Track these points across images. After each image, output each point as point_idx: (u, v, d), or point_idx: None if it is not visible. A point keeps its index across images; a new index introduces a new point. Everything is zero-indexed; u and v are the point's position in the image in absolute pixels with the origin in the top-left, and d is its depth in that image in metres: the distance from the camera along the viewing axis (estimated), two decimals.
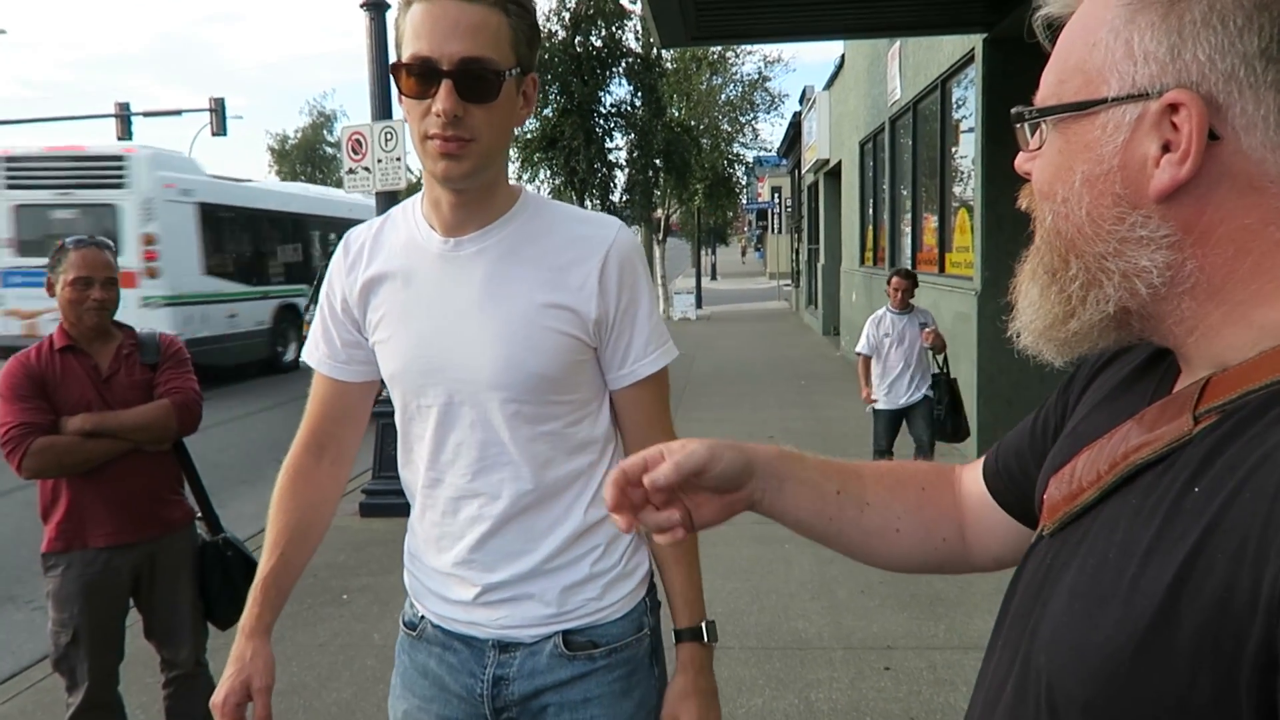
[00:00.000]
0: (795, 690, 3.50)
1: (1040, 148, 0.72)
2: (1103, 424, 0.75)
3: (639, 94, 12.73)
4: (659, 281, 23.58)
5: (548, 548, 1.41)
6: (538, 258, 1.38)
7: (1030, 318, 0.73)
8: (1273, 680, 0.51)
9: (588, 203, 12.57)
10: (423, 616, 1.50)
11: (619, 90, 12.76)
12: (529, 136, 11.97)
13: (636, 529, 0.91)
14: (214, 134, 28.00)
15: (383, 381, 1.50)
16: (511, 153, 12.31)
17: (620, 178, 13.25)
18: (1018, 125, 0.73)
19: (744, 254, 58.25)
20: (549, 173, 12.24)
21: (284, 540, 1.49)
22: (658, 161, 13.81)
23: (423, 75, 1.26)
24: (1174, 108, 0.62)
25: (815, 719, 3.30)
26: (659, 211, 21.48)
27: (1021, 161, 0.74)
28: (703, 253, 32.34)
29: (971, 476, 1.02)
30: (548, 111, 11.75)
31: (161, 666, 2.87)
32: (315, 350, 1.54)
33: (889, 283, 6.00)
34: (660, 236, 23.53)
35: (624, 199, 13.63)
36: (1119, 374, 0.80)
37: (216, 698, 1.41)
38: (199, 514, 2.95)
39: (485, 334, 1.36)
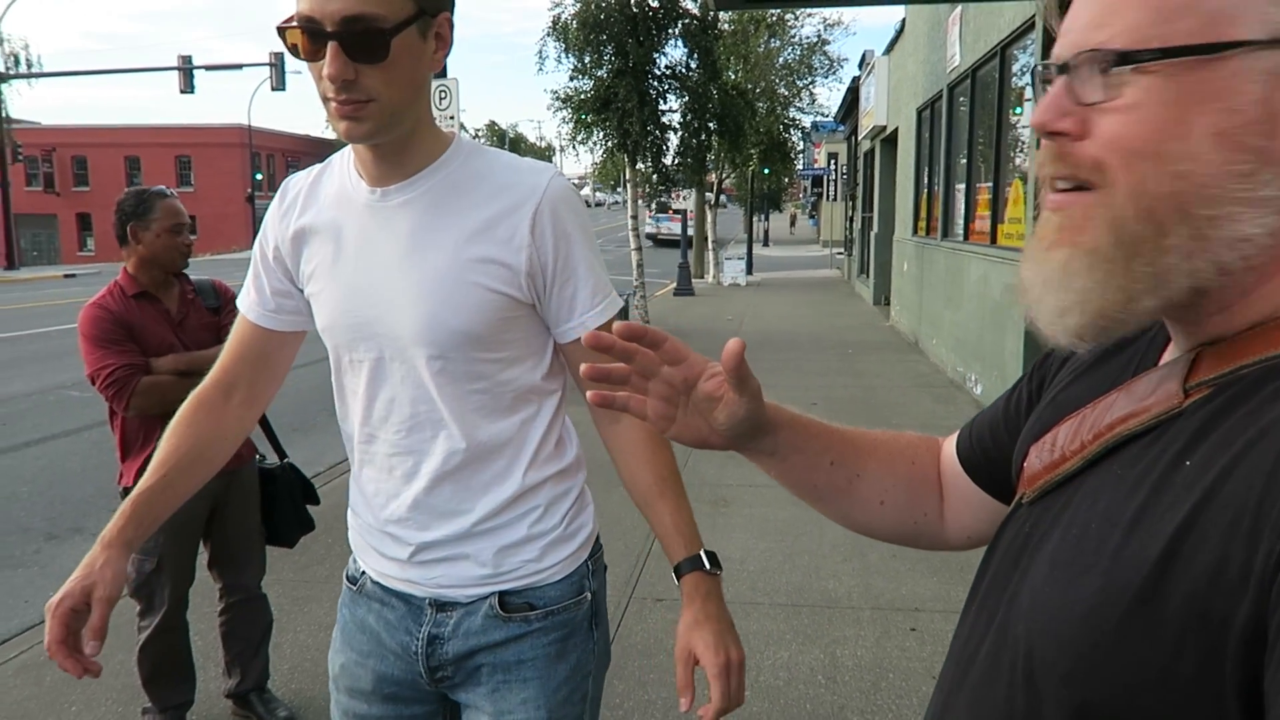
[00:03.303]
0: (821, 646, 3.59)
1: (1094, 103, 0.62)
2: (1085, 393, 0.74)
3: (694, 56, 12.63)
4: (710, 247, 23.51)
5: (484, 508, 1.37)
6: (465, 209, 1.31)
7: (1083, 298, 0.63)
8: (1259, 656, 0.51)
9: (640, 165, 12.55)
10: (363, 572, 1.48)
11: (674, 52, 12.66)
12: (582, 98, 11.98)
13: (600, 398, 0.90)
14: (273, 89, 28.40)
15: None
16: (564, 114, 12.36)
17: (673, 140, 13.19)
18: (1091, 77, 0.62)
19: (793, 222, 57.19)
20: (602, 135, 12.23)
21: (170, 463, 1.41)
22: (711, 125, 13.73)
23: (311, 36, 1.19)
24: None
25: (839, 673, 3.39)
26: (712, 176, 21.36)
27: (1056, 116, 0.64)
28: (755, 219, 32.09)
29: (949, 450, 1.00)
30: (602, 73, 11.73)
31: (221, 593, 3.07)
32: (246, 294, 1.49)
33: None
34: (713, 201, 23.42)
35: (676, 162, 13.57)
36: (1101, 344, 0.77)
37: (53, 599, 1.28)
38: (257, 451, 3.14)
39: (408, 290, 1.30)
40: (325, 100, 1.23)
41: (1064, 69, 0.63)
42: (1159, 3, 0.60)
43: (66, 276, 28.78)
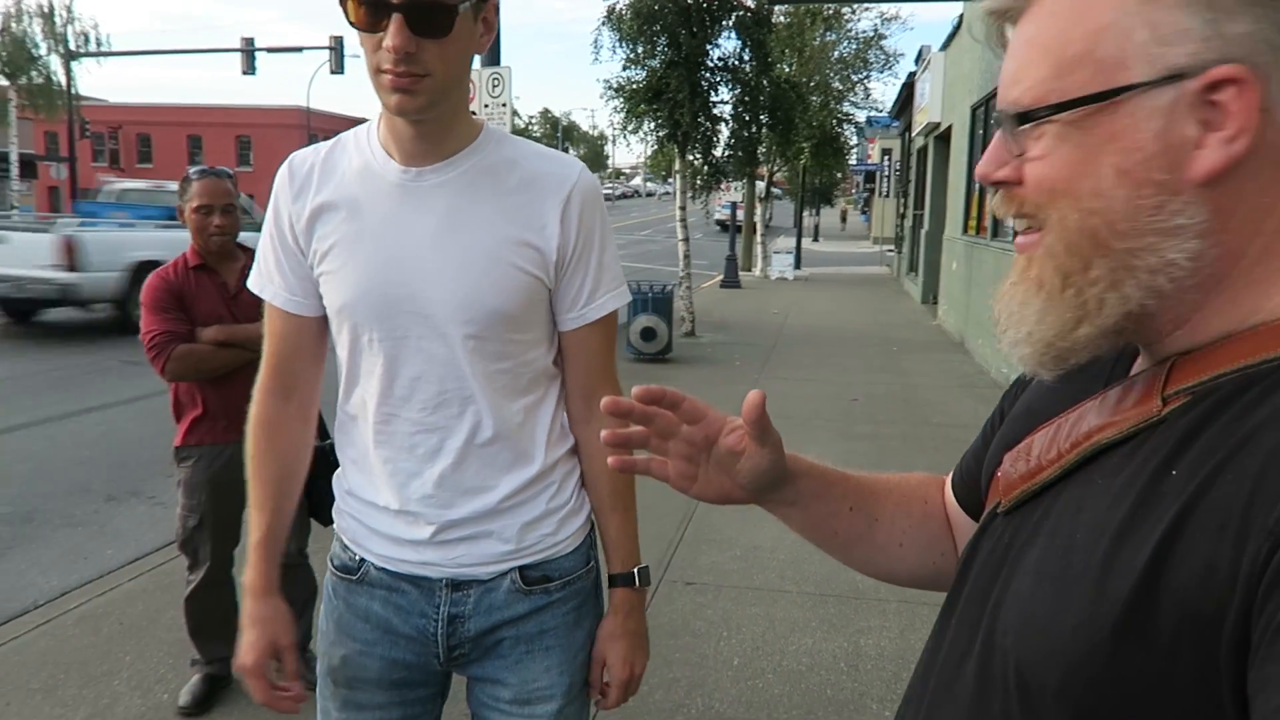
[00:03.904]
0: (846, 635, 3.65)
1: (1024, 153, 0.66)
2: (1058, 402, 0.75)
3: (747, 48, 12.60)
4: (760, 240, 23.45)
5: (509, 485, 1.40)
6: (500, 193, 1.34)
7: (1031, 329, 0.68)
8: (1244, 658, 0.52)
9: (689, 156, 12.57)
10: (362, 560, 1.45)
11: (727, 44, 12.65)
12: (634, 87, 12.01)
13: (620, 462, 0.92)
14: (332, 72, 28.80)
15: None
16: (616, 103, 12.41)
17: (724, 132, 13.17)
18: (1013, 130, 0.67)
19: (844, 217, 56.41)
20: (653, 125, 12.26)
21: (271, 498, 1.47)
22: (763, 117, 13.70)
23: (373, 7, 1.20)
24: (1214, 85, 0.58)
25: (862, 662, 3.45)
26: (762, 168, 21.29)
27: (994, 168, 0.69)
28: (806, 213, 31.91)
29: (949, 489, 1.00)
30: (654, 63, 11.75)
31: None
32: (269, 283, 1.43)
33: None
34: (763, 194, 23.33)
35: (726, 154, 13.56)
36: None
37: (245, 661, 1.40)
38: None
39: (446, 268, 1.32)
40: (378, 72, 1.23)
41: (1025, 119, 0.67)
42: (1057, 58, 0.64)
43: None
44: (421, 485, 1.38)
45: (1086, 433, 0.67)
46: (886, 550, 0.99)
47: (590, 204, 1.38)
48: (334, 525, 1.52)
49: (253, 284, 1.46)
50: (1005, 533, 0.71)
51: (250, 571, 1.44)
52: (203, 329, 2.94)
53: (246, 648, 1.41)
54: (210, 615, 3.10)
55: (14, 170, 28.25)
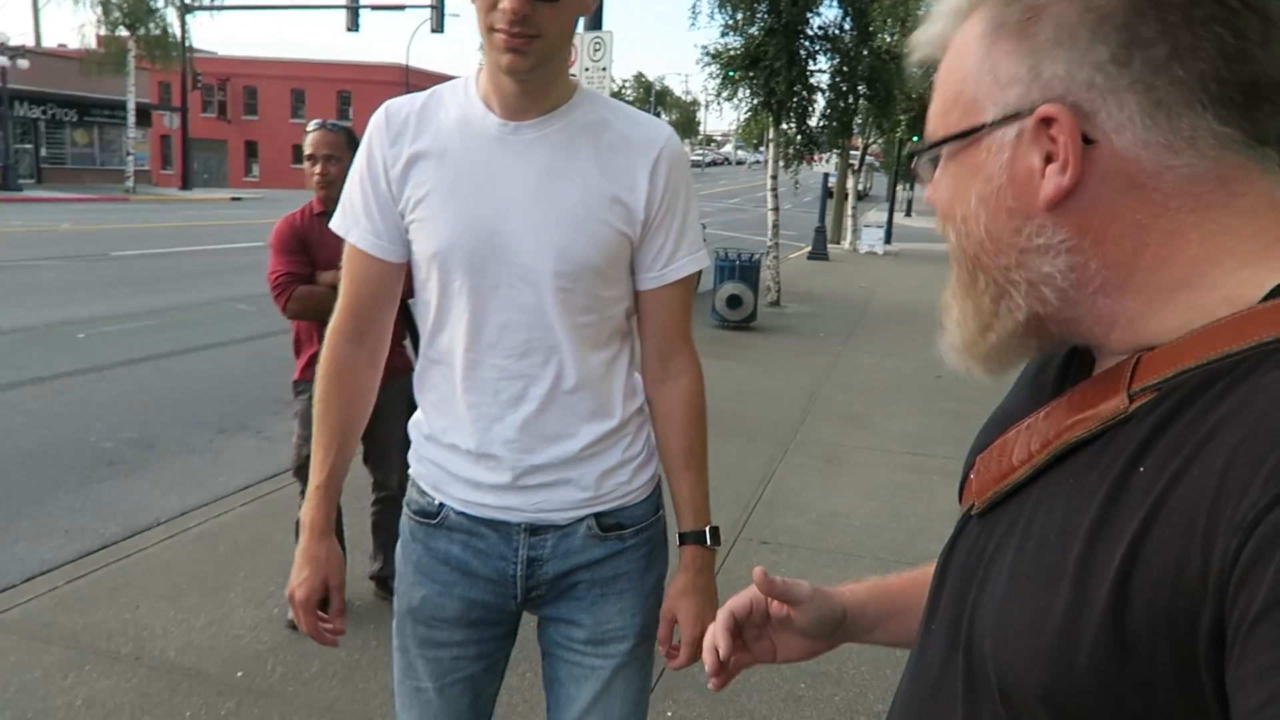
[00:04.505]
0: None
1: (932, 179, 0.75)
2: (1027, 403, 0.76)
3: (848, 18, 12.42)
4: (850, 213, 23.17)
5: (589, 435, 1.44)
6: (595, 150, 1.38)
7: (955, 335, 0.74)
8: (1222, 656, 0.52)
9: (784, 125, 12.48)
10: (442, 504, 1.49)
11: (828, 13, 12.48)
12: (731, 54, 11.96)
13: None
14: (432, 30, 29.26)
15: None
16: (712, 69, 12.39)
17: (820, 102, 13.02)
18: (914, 163, 0.76)
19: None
20: (748, 92, 12.20)
21: (337, 441, 1.51)
22: (860, 88, 13.48)
23: None
24: (1048, 121, 0.64)
25: None
26: (858, 140, 20.96)
27: (930, 193, 0.77)
28: (900, 187, 31.31)
29: None
30: (753, 30, 11.68)
31: (373, 488, 3.46)
32: (355, 225, 1.46)
33: None
34: (856, 166, 23.00)
35: (821, 125, 13.40)
36: (1040, 355, 0.81)
37: (299, 595, 1.45)
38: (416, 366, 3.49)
39: (544, 220, 1.35)
40: (490, 31, 1.27)
41: (912, 157, 0.76)
42: (940, 101, 0.73)
43: (233, 200, 30.69)
44: (504, 430, 1.42)
45: (1056, 432, 0.68)
46: None
47: (677, 166, 1.43)
48: (410, 471, 1.56)
49: (337, 225, 1.49)
50: (980, 536, 0.72)
51: (312, 511, 1.49)
52: (322, 273, 3.15)
53: (300, 582, 1.46)
54: None
55: (130, 118, 29.56)
